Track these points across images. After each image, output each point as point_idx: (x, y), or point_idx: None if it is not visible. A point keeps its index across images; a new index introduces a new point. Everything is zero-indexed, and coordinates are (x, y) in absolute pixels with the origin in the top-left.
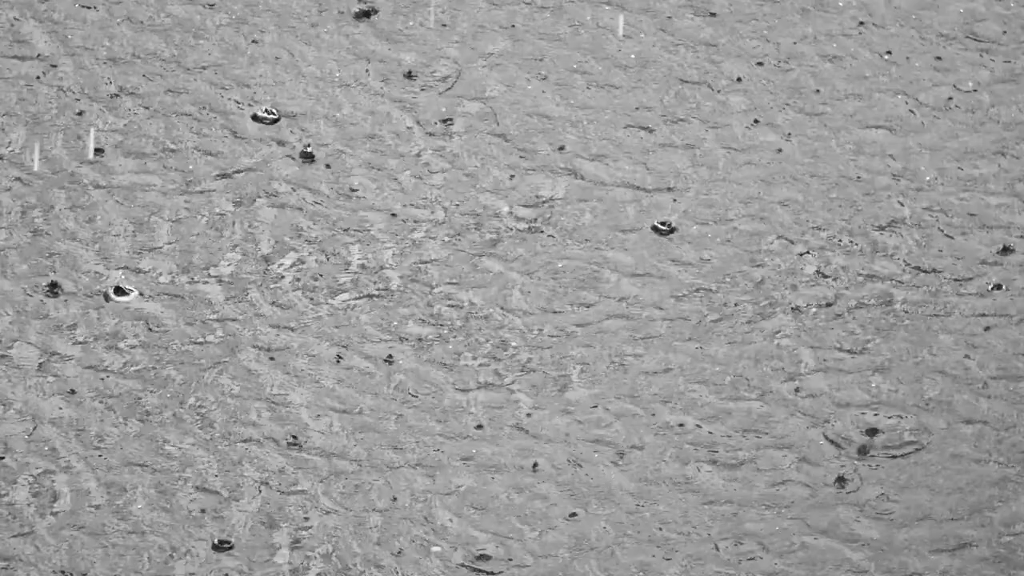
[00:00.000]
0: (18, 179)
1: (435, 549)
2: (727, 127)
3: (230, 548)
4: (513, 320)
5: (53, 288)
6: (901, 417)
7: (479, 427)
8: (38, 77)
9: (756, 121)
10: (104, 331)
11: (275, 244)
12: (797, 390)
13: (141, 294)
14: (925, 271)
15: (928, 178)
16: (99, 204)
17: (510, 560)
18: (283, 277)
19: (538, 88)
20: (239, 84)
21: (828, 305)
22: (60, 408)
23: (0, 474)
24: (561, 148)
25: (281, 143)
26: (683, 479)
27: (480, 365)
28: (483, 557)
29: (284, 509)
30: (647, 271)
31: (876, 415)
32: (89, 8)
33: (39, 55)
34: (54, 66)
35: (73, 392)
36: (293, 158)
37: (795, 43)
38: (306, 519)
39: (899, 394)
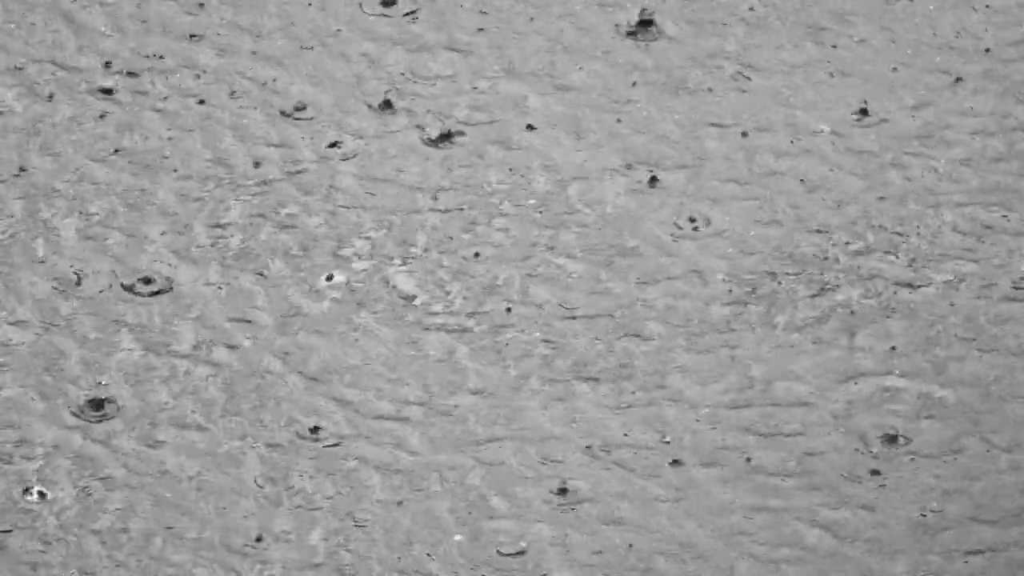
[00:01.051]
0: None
1: (457, 538)
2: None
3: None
4: (536, 314)
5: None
6: (937, 418)
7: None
8: None
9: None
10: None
11: (326, 238)
12: (828, 393)
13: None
14: (965, 272)
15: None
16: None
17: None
18: (334, 272)
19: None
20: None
21: (866, 299)
22: None
23: None
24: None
25: (310, 136)
26: (703, 480)
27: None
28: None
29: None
30: (678, 265)
31: (908, 416)
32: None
33: None
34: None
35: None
36: (320, 153)
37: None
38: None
39: (934, 395)
